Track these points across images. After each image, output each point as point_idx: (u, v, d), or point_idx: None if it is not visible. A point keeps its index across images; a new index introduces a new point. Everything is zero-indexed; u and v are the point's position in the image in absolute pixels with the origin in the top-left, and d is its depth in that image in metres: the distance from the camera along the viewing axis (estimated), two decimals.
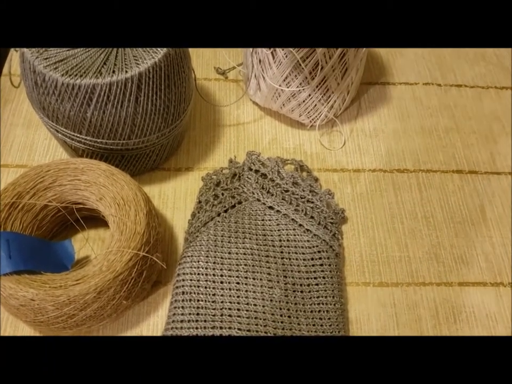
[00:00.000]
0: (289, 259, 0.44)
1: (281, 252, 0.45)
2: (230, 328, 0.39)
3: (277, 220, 0.47)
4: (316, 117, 0.54)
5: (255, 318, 0.40)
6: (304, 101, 0.52)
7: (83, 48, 0.41)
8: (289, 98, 0.52)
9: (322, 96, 0.51)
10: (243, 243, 0.44)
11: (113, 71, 0.39)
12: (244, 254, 0.44)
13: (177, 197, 0.50)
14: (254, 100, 0.57)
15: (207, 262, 0.42)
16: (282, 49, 0.47)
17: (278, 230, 0.46)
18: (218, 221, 0.46)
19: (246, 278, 0.42)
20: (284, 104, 0.53)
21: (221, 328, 0.39)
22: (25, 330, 0.42)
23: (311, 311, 0.42)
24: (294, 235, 0.46)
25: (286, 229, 0.46)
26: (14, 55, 0.58)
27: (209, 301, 0.41)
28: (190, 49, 0.61)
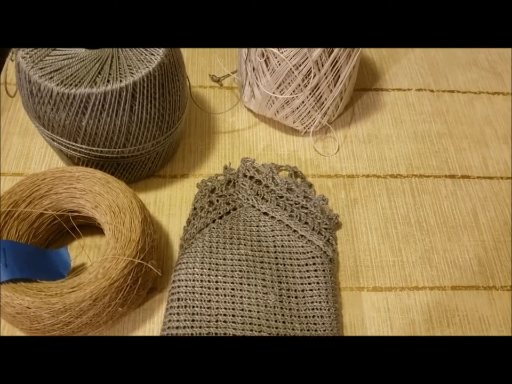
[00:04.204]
0: (284, 265, 0.45)
1: (276, 258, 0.45)
2: (225, 334, 0.40)
3: (271, 225, 0.47)
4: (310, 123, 0.54)
5: (250, 323, 0.40)
6: (297, 108, 0.52)
7: (79, 57, 0.41)
8: (283, 105, 0.52)
9: (315, 103, 0.52)
10: (238, 249, 0.45)
11: (108, 81, 0.40)
12: (239, 260, 0.44)
13: (172, 204, 0.50)
14: (248, 107, 0.57)
15: (202, 269, 0.43)
16: (276, 57, 0.47)
17: (273, 236, 0.47)
18: (213, 228, 0.46)
19: (241, 284, 0.42)
20: (278, 111, 0.54)
21: (216, 334, 0.40)
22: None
23: (306, 316, 0.42)
24: (289, 241, 0.46)
25: (281, 235, 0.47)
26: (10, 65, 0.58)
27: (204, 307, 0.41)
28: (185, 57, 0.62)
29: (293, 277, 0.44)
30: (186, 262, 0.43)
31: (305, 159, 0.55)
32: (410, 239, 0.49)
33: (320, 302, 0.43)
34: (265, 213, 0.48)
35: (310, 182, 0.52)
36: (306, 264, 0.45)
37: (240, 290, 0.42)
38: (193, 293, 0.41)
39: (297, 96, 0.51)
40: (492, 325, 0.45)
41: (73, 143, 0.43)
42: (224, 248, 0.44)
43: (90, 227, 0.46)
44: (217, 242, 0.45)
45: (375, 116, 0.59)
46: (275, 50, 0.47)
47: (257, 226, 0.47)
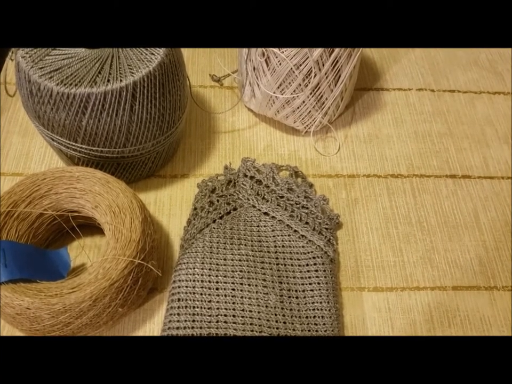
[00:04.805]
0: (285, 265, 0.45)
1: (277, 258, 0.45)
2: (225, 334, 0.40)
3: (272, 226, 0.47)
4: (310, 123, 0.54)
5: (251, 324, 0.40)
6: (298, 108, 0.52)
7: (79, 57, 0.41)
8: (283, 105, 0.52)
9: (316, 103, 0.52)
10: (238, 249, 0.44)
11: (108, 80, 0.40)
12: (239, 260, 0.44)
13: (173, 204, 0.50)
14: (248, 107, 0.57)
15: (202, 269, 0.43)
16: (276, 57, 0.47)
17: (273, 236, 0.46)
18: (214, 228, 0.46)
19: (241, 284, 0.42)
20: (278, 111, 0.53)
21: (216, 334, 0.39)
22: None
23: (306, 317, 0.42)
24: (289, 241, 0.46)
25: (281, 235, 0.46)
26: (10, 64, 0.58)
27: (204, 308, 0.41)
28: (185, 57, 0.62)
29: (294, 277, 0.44)
30: (187, 262, 0.43)
31: (306, 159, 0.55)
32: (411, 239, 0.49)
33: (321, 302, 0.42)
34: (265, 213, 0.48)
35: (311, 182, 0.52)
36: (307, 265, 0.44)
37: (241, 290, 0.42)
38: (194, 293, 0.41)
39: (297, 96, 0.50)
40: (493, 325, 0.45)
41: (73, 143, 0.43)
42: (224, 248, 0.44)
43: (90, 227, 0.46)
44: (217, 243, 0.45)
45: (375, 115, 0.59)
46: (276, 49, 0.47)
47: (258, 226, 0.47)
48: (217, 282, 0.42)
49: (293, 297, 0.43)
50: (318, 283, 0.43)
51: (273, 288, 0.43)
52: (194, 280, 0.42)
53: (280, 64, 0.48)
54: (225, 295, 0.41)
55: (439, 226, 0.50)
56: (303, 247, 0.46)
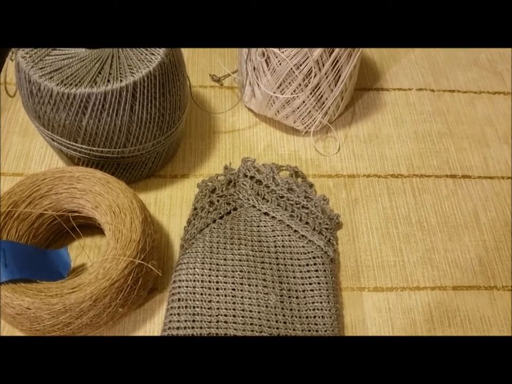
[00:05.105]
0: (285, 265, 0.45)
1: (277, 258, 0.45)
2: (225, 334, 0.40)
3: (272, 226, 0.47)
4: (311, 123, 0.54)
5: (251, 324, 0.40)
6: (298, 108, 0.52)
7: (79, 57, 0.41)
8: (283, 105, 0.52)
9: (316, 103, 0.52)
10: (239, 249, 0.44)
11: (108, 80, 0.40)
12: (240, 260, 0.44)
13: (173, 204, 0.50)
14: (249, 107, 0.57)
15: (202, 269, 0.43)
16: (276, 57, 0.47)
17: (274, 236, 0.46)
18: (214, 228, 0.46)
19: (241, 284, 0.42)
20: (278, 111, 0.53)
21: (216, 334, 0.39)
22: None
23: (307, 317, 0.42)
24: (289, 241, 0.46)
25: (281, 235, 0.46)
26: (10, 64, 0.58)
27: (205, 308, 0.41)
28: (185, 57, 0.62)
29: (294, 277, 0.44)
30: (187, 262, 0.43)
31: (306, 159, 0.55)
32: (411, 239, 0.49)
33: (321, 302, 0.42)
34: (266, 213, 0.48)
35: (311, 182, 0.52)
36: (307, 264, 0.45)
37: (241, 290, 0.42)
38: (194, 293, 0.41)
39: (297, 96, 0.50)
40: (493, 325, 0.45)
41: (73, 143, 0.43)
42: (224, 249, 0.44)
43: (91, 227, 0.46)
44: (217, 243, 0.45)
45: (375, 115, 0.59)
46: (276, 49, 0.47)
47: (258, 226, 0.47)
48: (217, 282, 0.42)
49: (293, 297, 0.43)
50: (318, 283, 0.43)
51: (273, 288, 0.43)
52: (194, 280, 0.42)
53: (280, 64, 0.48)
54: (226, 295, 0.41)
55: (439, 226, 0.50)
56: (303, 247, 0.46)
